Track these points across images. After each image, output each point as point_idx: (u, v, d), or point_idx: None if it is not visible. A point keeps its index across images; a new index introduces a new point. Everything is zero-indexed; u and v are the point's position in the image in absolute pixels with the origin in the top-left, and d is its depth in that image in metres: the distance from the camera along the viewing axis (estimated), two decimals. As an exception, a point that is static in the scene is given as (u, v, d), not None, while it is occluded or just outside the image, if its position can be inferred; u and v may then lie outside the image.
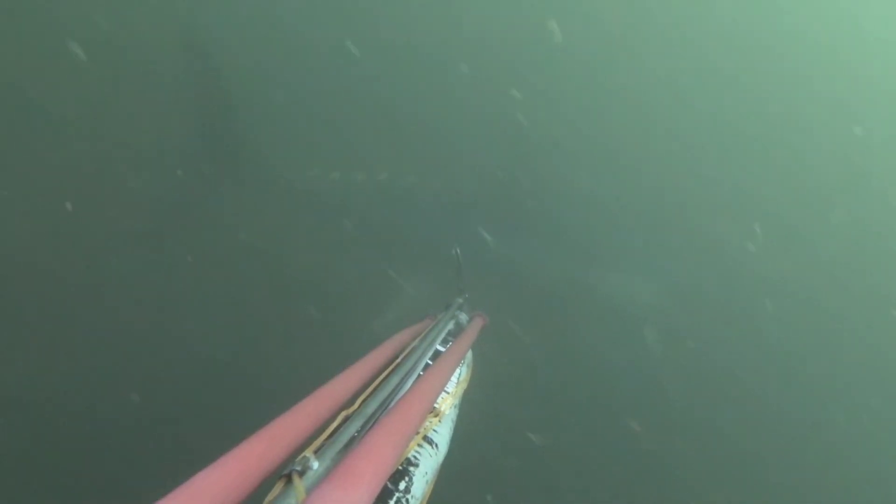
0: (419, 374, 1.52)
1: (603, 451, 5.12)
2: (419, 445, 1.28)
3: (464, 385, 1.77)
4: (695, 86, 8.34)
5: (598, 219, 6.04)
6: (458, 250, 2.55)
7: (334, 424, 1.20)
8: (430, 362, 1.66)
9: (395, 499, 1.09)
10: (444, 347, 1.86)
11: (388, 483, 1.10)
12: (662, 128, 7.94)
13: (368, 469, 0.87)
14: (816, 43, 9.22)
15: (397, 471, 1.16)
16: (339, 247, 5.49)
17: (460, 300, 2.44)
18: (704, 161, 7.92)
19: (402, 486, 1.13)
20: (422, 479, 1.21)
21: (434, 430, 1.39)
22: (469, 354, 2.02)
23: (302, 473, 0.91)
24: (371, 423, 1.16)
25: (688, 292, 5.92)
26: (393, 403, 1.27)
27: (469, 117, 7.07)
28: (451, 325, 2.13)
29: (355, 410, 1.23)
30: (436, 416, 1.44)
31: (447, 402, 1.54)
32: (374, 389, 1.35)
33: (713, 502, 5.06)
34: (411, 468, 1.19)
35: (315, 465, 0.95)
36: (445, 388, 1.59)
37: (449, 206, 5.60)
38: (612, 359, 5.47)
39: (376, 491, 0.86)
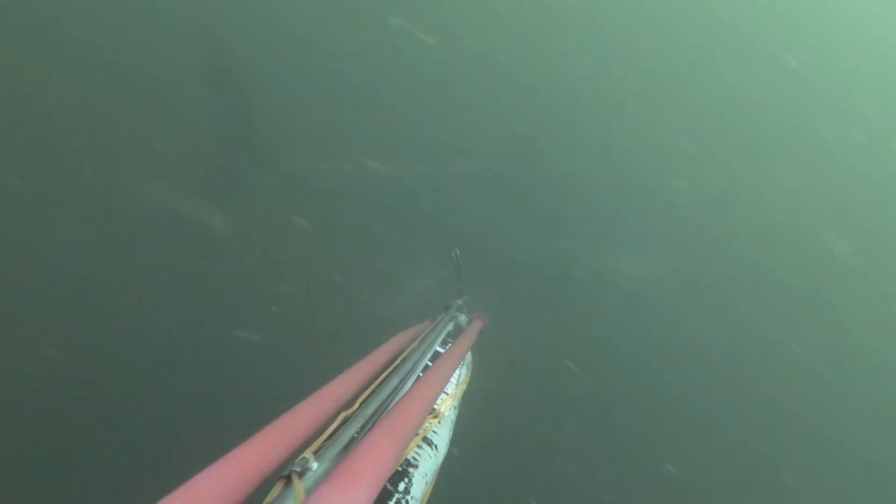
0: (419, 376, 1.52)
1: (554, 395, 5.44)
2: (419, 447, 1.28)
3: (463, 387, 1.76)
4: (650, 47, 8.35)
5: (571, 192, 6.33)
6: (458, 252, 2.54)
7: (334, 425, 1.20)
8: (429, 364, 1.66)
9: (394, 500, 1.09)
10: (444, 349, 1.86)
11: (388, 484, 1.10)
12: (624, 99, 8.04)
13: (368, 470, 0.87)
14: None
15: (397, 472, 1.16)
16: (341, 240, 5.54)
17: (459, 302, 2.43)
18: (666, 124, 8.02)
19: (401, 487, 1.13)
20: (421, 481, 1.20)
21: (434, 432, 1.39)
22: (469, 356, 2.01)
23: (301, 474, 0.91)
24: (370, 424, 1.16)
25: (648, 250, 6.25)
26: (392, 404, 1.27)
27: (468, 112, 7.14)
28: (450, 327, 2.12)
29: (355, 411, 1.23)
30: (435, 417, 1.44)
31: (447, 404, 1.54)
32: (374, 390, 1.34)
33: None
34: (411, 469, 1.19)
35: (315, 465, 0.95)
36: (445, 390, 1.59)
37: (450, 195, 5.81)
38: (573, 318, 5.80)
39: (376, 492, 0.86)
